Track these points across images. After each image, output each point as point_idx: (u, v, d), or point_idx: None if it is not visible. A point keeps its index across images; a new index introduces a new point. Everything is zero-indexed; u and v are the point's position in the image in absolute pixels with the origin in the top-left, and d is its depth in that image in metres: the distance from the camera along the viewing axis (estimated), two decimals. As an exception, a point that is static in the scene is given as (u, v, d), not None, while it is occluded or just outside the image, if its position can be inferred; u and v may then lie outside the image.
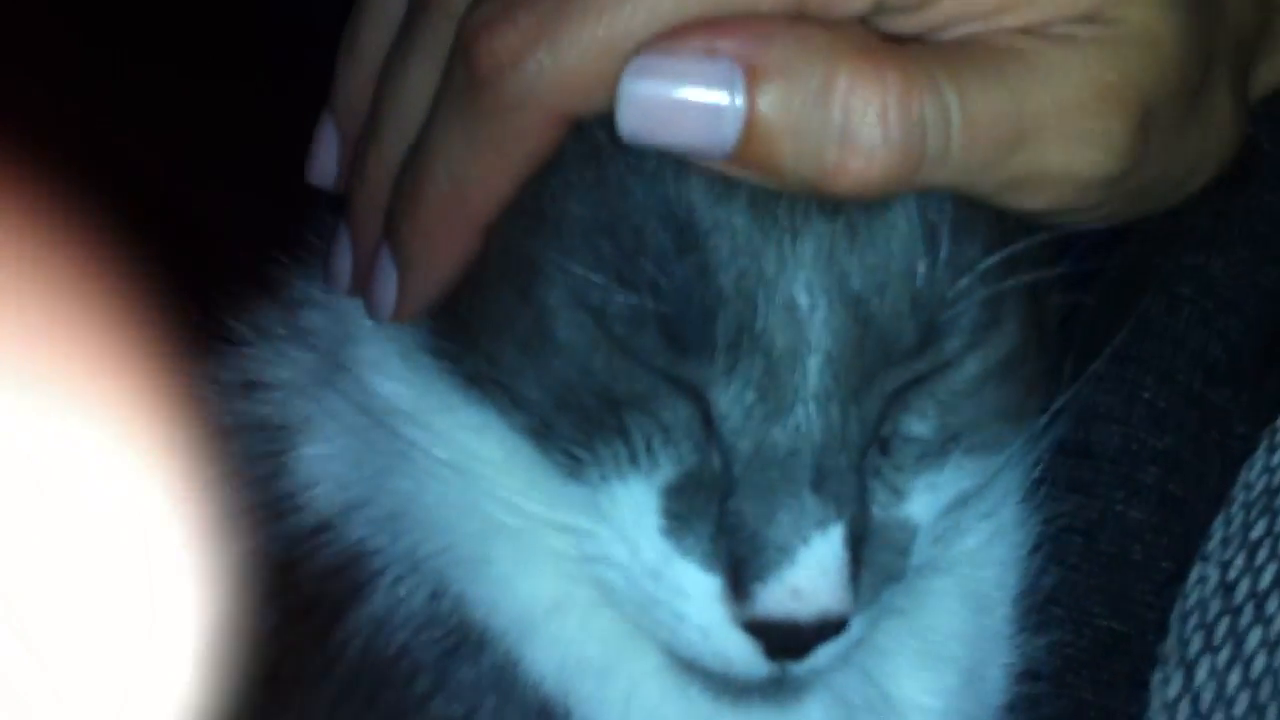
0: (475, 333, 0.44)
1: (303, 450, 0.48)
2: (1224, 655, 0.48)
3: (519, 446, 0.44)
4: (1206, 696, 0.48)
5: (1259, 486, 0.49)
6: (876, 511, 0.43)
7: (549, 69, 0.40)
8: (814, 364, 0.41)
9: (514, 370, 0.43)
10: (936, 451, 0.44)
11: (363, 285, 0.46)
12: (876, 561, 0.43)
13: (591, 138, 0.42)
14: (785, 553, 0.41)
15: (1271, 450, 0.49)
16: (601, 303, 0.42)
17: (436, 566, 0.46)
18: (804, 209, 0.41)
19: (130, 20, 0.62)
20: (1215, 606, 0.48)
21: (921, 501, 0.44)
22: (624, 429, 0.43)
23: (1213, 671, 0.48)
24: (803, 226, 0.41)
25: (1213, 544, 0.49)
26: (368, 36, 0.46)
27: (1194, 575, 0.49)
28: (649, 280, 0.41)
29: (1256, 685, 0.47)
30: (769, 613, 0.42)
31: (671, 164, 0.42)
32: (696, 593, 0.43)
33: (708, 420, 0.42)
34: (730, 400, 0.42)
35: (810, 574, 0.41)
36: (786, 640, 0.42)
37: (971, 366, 0.44)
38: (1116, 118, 0.41)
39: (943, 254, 0.42)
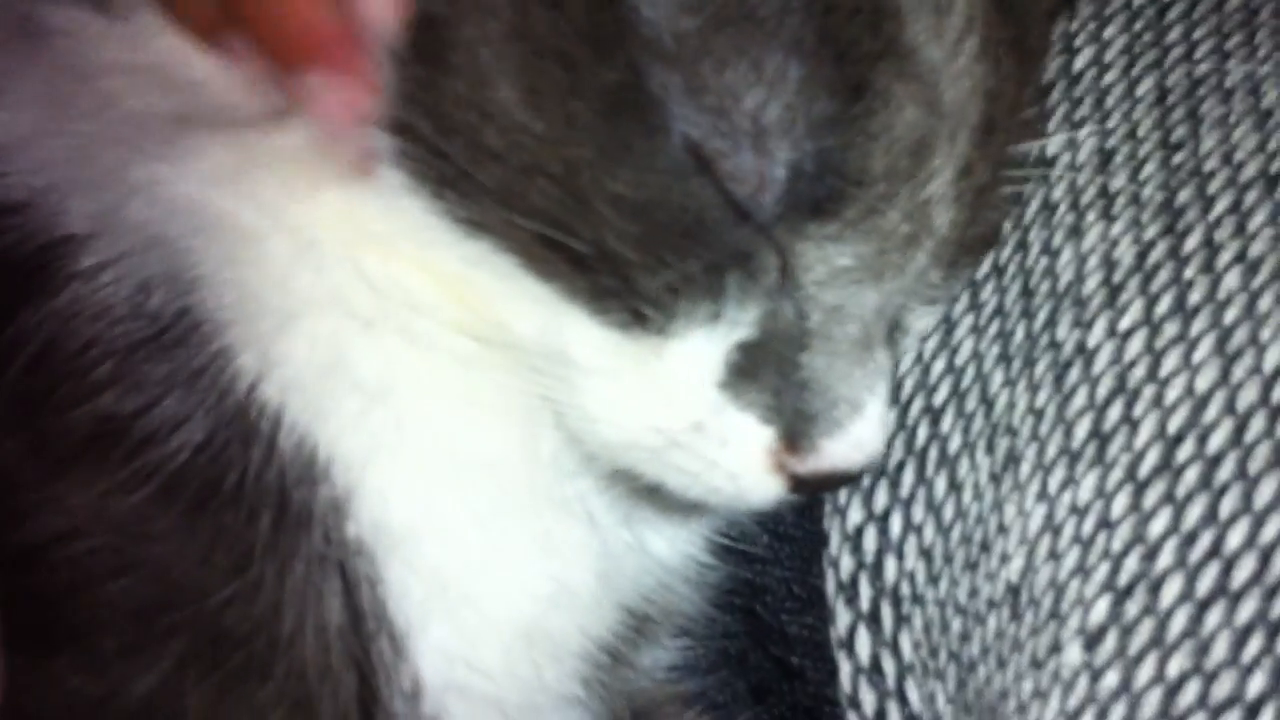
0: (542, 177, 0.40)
1: None
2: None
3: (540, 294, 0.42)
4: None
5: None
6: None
7: None
8: (928, 247, 0.42)
9: (600, 222, 0.39)
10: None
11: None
12: None
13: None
14: (855, 407, 0.42)
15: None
16: (727, 163, 0.39)
17: (159, 256, 0.42)
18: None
19: None
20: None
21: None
22: (711, 285, 0.40)
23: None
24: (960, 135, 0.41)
25: None
26: None
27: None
28: (792, 148, 0.39)
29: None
30: (833, 465, 0.42)
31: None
32: (743, 443, 0.42)
33: (785, 271, 0.41)
34: (822, 257, 0.41)
35: (872, 426, 0.42)
36: (823, 484, 0.43)
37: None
38: None
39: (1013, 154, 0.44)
